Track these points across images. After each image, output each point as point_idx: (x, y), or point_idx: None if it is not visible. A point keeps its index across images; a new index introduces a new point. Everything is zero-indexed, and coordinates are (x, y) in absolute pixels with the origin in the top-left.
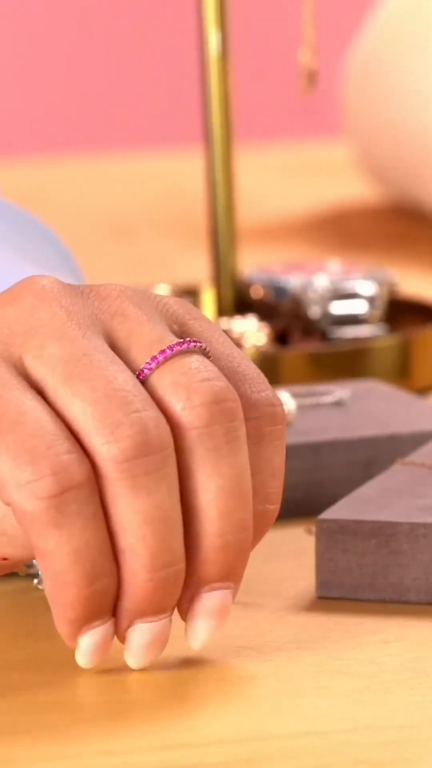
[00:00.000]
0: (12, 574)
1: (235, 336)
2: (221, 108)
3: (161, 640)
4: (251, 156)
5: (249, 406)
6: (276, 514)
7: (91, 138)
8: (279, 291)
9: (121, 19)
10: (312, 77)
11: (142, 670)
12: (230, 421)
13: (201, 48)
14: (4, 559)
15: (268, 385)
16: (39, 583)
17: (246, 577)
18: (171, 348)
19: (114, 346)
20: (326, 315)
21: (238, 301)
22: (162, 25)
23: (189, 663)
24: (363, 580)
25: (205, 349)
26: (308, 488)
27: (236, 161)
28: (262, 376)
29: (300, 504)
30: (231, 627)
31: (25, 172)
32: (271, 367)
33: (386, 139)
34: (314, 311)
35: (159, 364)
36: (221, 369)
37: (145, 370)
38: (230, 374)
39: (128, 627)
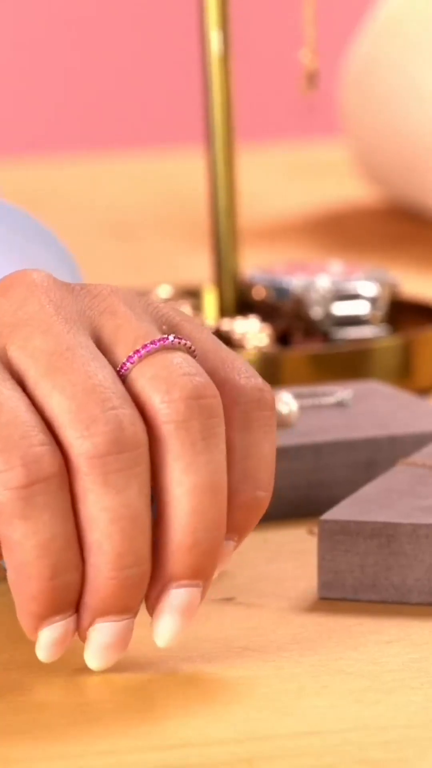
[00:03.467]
0: None
1: (236, 337)
2: (223, 108)
3: (122, 642)
4: (252, 156)
5: (237, 391)
6: (268, 501)
7: (92, 138)
8: (280, 292)
9: (122, 19)
10: (312, 78)
11: (144, 670)
12: (208, 418)
13: (202, 48)
14: None
15: (257, 374)
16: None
17: (248, 578)
18: (154, 342)
19: (100, 343)
20: (328, 316)
21: (240, 301)
22: (163, 26)
23: (191, 663)
24: (365, 581)
25: (191, 347)
26: (310, 489)
27: (237, 161)
28: (251, 367)
29: (302, 504)
30: (233, 627)
31: (26, 173)
32: (272, 368)
33: (385, 140)
34: (316, 312)
35: (141, 358)
36: (210, 361)
37: (128, 364)
38: (219, 365)
39: (89, 625)
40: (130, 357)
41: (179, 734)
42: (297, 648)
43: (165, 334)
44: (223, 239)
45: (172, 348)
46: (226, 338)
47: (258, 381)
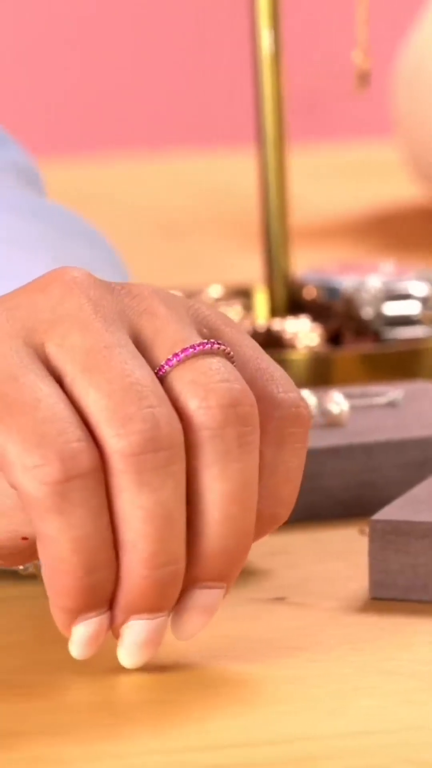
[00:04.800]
0: None
1: (287, 336)
2: (274, 108)
3: (155, 640)
4: (303, 156)
5: (273, 405)
6: (285, 518)
7: (144, 138)
8: (332, 292)
9: (174, 19)
10: (364, 78)
11: (192, 670)
12: (244, 426)
13: (254, 48)
14: (25, 539)
15: (296, 388)
16: (28, 570)
17: (298, 578)
18: (194, 347)
19: (138, 343)
20: (379, 316)
21: (291, 301)
22: (215, 25)
23: (240, 663)
24: (416, 581)
25: (230, 353)
26: (361, 489)
27: (289, 161)
28: (290, 379)
29: (353, 505)
30: (283, 627)
31: (76, 172)
32: (323, 368)
33: None
34: (367, 312)
35: (180, 362)
36: (249, 370)
37: (165, 367)
38: (257, 375)
39: (123, 622)
40: (168, 360)
41: (226, 734)
42: (347, 648)
43: (205, 338)
44: (275, 239)
45: (211, 353)
46: (276, 338)
47: (295, 396)
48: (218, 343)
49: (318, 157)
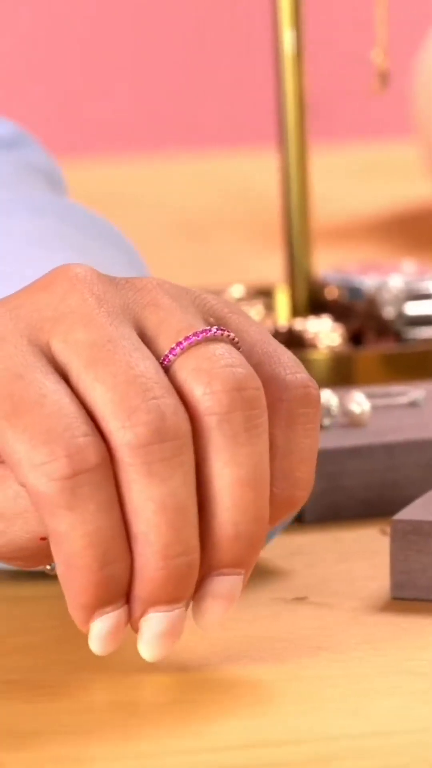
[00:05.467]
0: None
1: (309, 336)
2: (295, 108)
3: (174, 631)
4: (325, 156)
5: (282, 387)
6: (304, 500)
7: (165, 138)
8: (353, 291)
9: (196, 19)
10: (384, 77)
11: (213, 669)
12: (251, 409)
13: (275, 48)
14: (43, 539)
15: (304, 369)
16: (51, 569)
17: (320, 577)
18: (197, 334)
19: (143, 335)
20: (400, 315)
21: (313, 301)
22: (236, 25)
23: (261, 662)
24: None
25: (235, 339)
26: (382, 489)
27: (310, 161)
28: (298, 361)
29: (374, 504)
30: (304, 627)
31: (97, 173)
32: (345, 368)
33: None
34: (389, 312)
35: (183, 350)
36: (255, 355)
37: (170, 356)
38: (264, 358)
39: (141, 616)
40: (172, 349)
41: (247, 734)
42: (368, 648)
43: (211, 324)
44: (296, 239)
45: (215, 339)
46: (298, 338)
47: (304, 376)
48: (221, 329)
49: (339, 157)
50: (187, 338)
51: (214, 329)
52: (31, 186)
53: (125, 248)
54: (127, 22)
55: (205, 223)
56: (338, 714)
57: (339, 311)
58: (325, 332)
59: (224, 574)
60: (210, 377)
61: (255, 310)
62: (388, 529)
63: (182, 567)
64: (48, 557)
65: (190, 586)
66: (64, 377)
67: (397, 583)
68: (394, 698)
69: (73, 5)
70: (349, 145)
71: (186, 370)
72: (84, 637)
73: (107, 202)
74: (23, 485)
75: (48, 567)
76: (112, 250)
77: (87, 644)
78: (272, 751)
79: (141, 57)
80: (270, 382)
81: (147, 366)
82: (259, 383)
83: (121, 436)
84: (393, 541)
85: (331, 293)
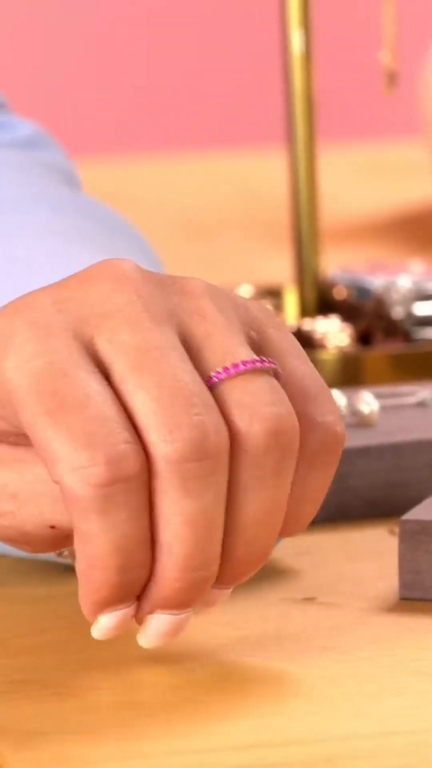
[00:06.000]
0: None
1: (317, 336)
2: (304, 107)
3: (178, 631)
4: (333, 156)
5: (311, 427)
6: (299, 533)
7: (173, 137)
8: (362, 291)
9: (204, 18)
10: (392, 78)
11: (221, 669)
12: (283, 455)
13: (284, 48)
14: (53, 527)
15: (337, 408)
16: (64, 556)
17: (328, 578)
18: (244, 363)
19: (187, 345)
20: (409, 315)
21: (321, 301)
22: (245, 25)
23: (270, 662)
24: None
25: (277, 370)
26: (391, 489)
27: (319, 161)
28: (333, 398)
29: (382, 504)
30: (312, 627)
31: (105, 172)
32: (353, 368)
33: None
34: (397, 312)
35: (229, 377)
36: (292, 386)
37: (214, 379)
38: (300, 392)
39: (149, 614)
40: (218, 373)
41: (257, 734)
42: (376, 648)
43: (253, 342)
44: (305, 239)
45: (260, 371)
46: (307, 338)
47: (333, 420)
48: (268, 361)
49: (348, 157)
50: (235, 365)
51: (261, 361)
52: (51, 183)
53: (142, 246)
54: (134, 21)
55: (213, 222)
56: (346, 714)
57: (347, 311)
58: (333, 332)
59: (218, 588)
60: (252, 416)
61: (271, 312)
62: (396, 530)
63: (199, 579)
64: (54, 546)
65: (203, 595)
66: (106, 376)
67: (405, 583)
68: (403, 698)
69: (83, 9)
70: (357, 145)
71: (229, 399)
72: (91, 638)
73: (114, 202)
74: (57, 482)
75: (60, 552)
76: (131, 248)
77: (93, 644)
78: (280, 751)
79: (148, 56)
80: (300, 418)
81: (192, 380)
82: (296, 426)
83: (161, 448)
84: (401, 541)
85: (340, 293)
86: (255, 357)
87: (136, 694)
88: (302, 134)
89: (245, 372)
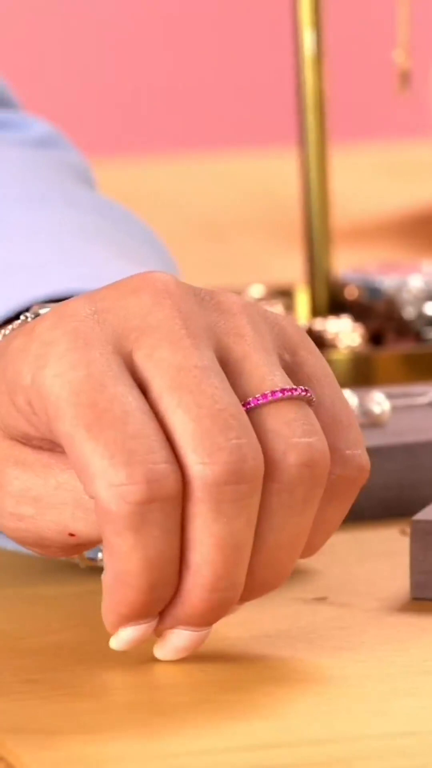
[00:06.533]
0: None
1: (329, 336)
2: (316, 108)
3: (196, 647)
4: (345, 156)
5: (337, 461)
6: (308, 557)
7: (186, 138)
8: (373, 292)
9: (216, 19)
10: (405, 77)
11: (235, 670)
12: (313, 485)
13: (296, 48)
14: (72, 535)
15: (363, 443)
16: (83, 561)
17: (340, 578)
18: (283, 392)
19: (224, 365)
20: (420, 316)
21: (333, 301)
22: (257, 25)
23: (282, 662)
24: None
25: (312, 398)
26: (402, 489)
27: (330, 161)
28: (360, 431)
29: (394, 505)
30: (324, 627)
31: (119, 172)
32: (365, 368)
33: None
34: (409, 312)
35: (266, 403)
36: (323, 415)
37: (251, 404)
38: (330, 423)
39: (170, 629)
40: (255, 398)
41: (271, 734)
42: (388, 648)
43: (286, 365)
44: (316, 239)
45: (297, 399)
46: (318, 338)
47: (361, 455)
48: (304, 390)
49: (359, 157)
50: (273, 393)
51: (298, 389)
52: (67, 182)
53: (158, 247)
54: (148, 23)
55: (225, 222)
56: (359, 714)
57: (359, 311)
58: (345, 332)
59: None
60: (287, 446)
61: (275, 311)
62: (408, 530)
63: (224, 600)
64: (69, 552)
65: (223, 615)
66: (143, 392)
67: (417, 584)
68: (415, 698)
69: (97, 10)
70: (369, 145)
71: (265, 426)
72: (104, 638)
73: (128, 202)
74: (92, 496)
75: (80, 558)
76: (147, 248)
77: (107, 645)
78: (292, 751)
79: (161, 57)
80: (329, 449)
81: (231, 402)
82: (328, 458)
83: (199, 470)
84: (413, 541)
85: (351, 293)
86: (292, 385)
87: (148, 694)
88: (314, 134)
89: (282, 399)
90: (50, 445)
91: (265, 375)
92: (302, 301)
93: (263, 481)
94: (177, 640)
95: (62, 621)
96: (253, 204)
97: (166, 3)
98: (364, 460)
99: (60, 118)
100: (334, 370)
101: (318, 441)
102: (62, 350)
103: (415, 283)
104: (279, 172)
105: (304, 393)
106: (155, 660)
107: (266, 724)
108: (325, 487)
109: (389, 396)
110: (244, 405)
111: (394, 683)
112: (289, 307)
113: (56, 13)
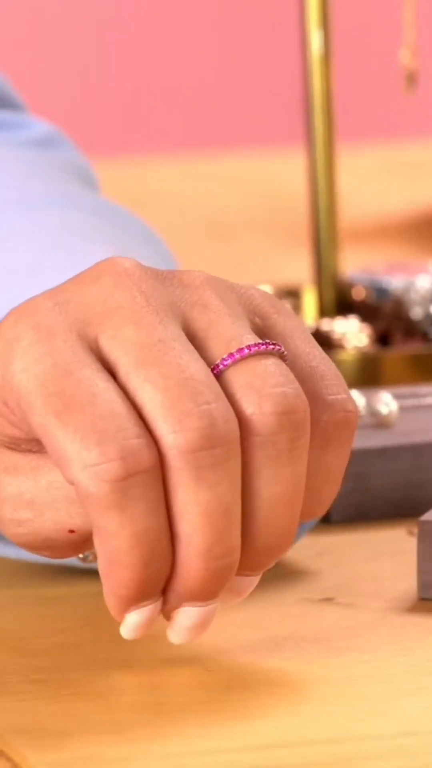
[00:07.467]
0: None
1: (336, 337)
2: (323, 108)
3: (206, 623)
4: (352, 156)
5: (322, 407)
6: (320, 516)
7: (192, 137)
8: (380, 292)
9: (223, 19)
10: (412, 78)
11: (240, 669)
12: (296, 432)
13: (303, 48)
14: (72, 531)
15: (346, 388)
16: (88, 561)
17: (346, 578)
18: (249, 348)
19: (191, 336)
20: (428, 316)
21: (340, 301)
22: (264, 25)
23: (288, 662)
24: None
25: (283, 352)
26: (409, 489)
27: (338, 161)
28: (341, 377)
29: (401, 505)
30: (331, 627)
31: (124, 172)
32: (372, 369)
33: None
34: (416, 312)
35: (234, 362)
36: (299, 367)
37: (220, 366)
38: (307, 373)
39: (176, 608)
40: (223, 360)
41: (276, 734)
42: (395, 648)
43: (257, 328)
44: (324, 239)
45: (266, 353)
46: (325, 338)
47: (344, 398)
48: (273, 344)
49: (367, 157)
50: (239, 350)
51: (266, 344)
52: (67, 182)
53: (159, 248)
54: (155, 23)
55: (231, 222)
56: (365, 714)
57: (366, 312)
58: (352, 333)
59: (245, 575)
60: (260, 397)
61: (275, 297)
62: (415, 530)
63: (222, 568)
64: (75, 550)
65: (227, 583)
66: (111, 374)
67: (424, 584)
68: (422, 698)
69: (101, 9)
70: (376, 145)
71: (236, 384)
72: (111, 637)
73: (134, 202)
74: (71, 483)
75: (81, 556)
76: (148, 249)
77: (112, 645)
78: (298, 751)
79: (168, 57)
80: (310, 400)
81: (198, 369)
82: (306, 405)
83: (171, 440)
84: (420, 541)
85: (359, 294)
86: (260, 341)
87: (156, 694)
88: (321, 134)
89: (251, 356)
90: (38, 447)
91: (233, 337)
92: (309, 302)
93: (244, 439)
94: (185, 619)
95: (68, 621)
96: (259, 204)
97: (176, 4)
98: (350, 403)
99: (73, 118)
100: (341, 371)
101: (292, 388)
102: (26, 345)
103: (423, 283)
104: (285, 172)
105: (273, 347)
106: (161, 660)
107: (271, 725)
108: (316, 437)
109: (396, 396)
110: (214, 369)
111: (401, 683)
112: (297, 308)
113: (56, 13)
